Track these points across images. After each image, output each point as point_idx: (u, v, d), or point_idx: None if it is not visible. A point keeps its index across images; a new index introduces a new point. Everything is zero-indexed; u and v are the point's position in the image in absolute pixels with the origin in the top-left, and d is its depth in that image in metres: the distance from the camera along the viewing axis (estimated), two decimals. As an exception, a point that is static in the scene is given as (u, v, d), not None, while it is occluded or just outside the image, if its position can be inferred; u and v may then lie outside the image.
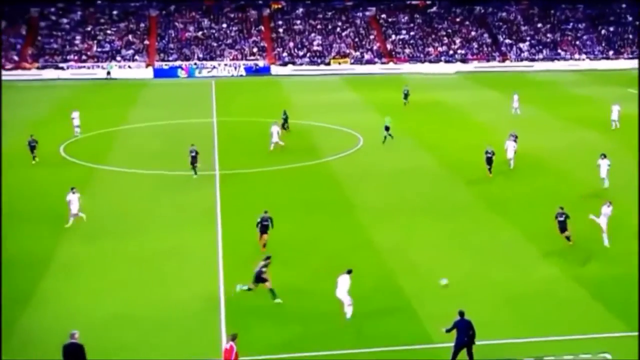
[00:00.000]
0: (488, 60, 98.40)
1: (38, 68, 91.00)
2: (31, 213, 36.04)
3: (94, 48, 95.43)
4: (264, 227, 30.04)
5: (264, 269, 25.38)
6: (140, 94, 77.21)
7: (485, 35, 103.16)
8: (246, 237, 30.60)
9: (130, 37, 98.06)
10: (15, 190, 39.72)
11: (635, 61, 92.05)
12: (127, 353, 22.27)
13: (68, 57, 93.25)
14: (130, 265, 29.29)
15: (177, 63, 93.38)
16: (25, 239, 32.11)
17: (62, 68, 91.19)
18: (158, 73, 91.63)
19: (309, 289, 26.68)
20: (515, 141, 43.95)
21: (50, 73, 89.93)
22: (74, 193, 34.09)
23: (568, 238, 30.29)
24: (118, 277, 28.10)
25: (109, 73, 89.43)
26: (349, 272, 24.75)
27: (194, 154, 41.75)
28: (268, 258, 25.87)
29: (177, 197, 38.46)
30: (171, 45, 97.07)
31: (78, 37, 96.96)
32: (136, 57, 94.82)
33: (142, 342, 22.99)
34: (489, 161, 41.37)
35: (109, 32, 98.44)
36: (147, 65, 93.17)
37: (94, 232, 33.14)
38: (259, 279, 25.25)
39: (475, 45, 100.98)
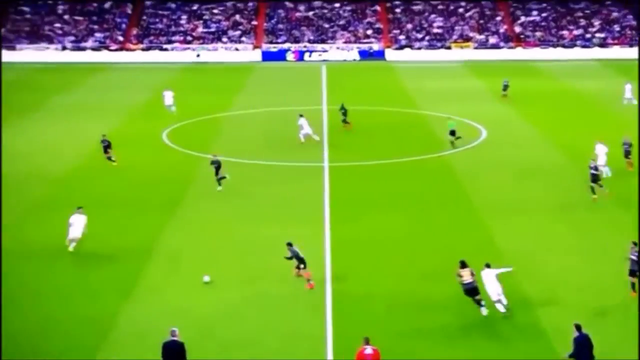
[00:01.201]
0: (631, 46, 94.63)
1: (142, 49, 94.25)
2: (133, 202, 37.58)
3: (200, 29, 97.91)
4: (299, 261, 27.54)
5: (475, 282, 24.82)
6: (247, 78, 78.75)
7: (629, 16, 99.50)
8: (355, 234, 30.74)
9: (237, 17, 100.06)
10: (116, 179, 41.51)
11: None
12: (228, 353, 22.84)
13: (173, 39, 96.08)
14: (232, 258, 30.08)
15: (286, 45, 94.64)
16: (129, 229, 33.56)
17: (166, 49, 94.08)
18: (266, 56, 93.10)
19: (425, 292, 26.65)
20: (629, 147, 41.56)
21: (154, 55, 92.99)
22: (79, 214, 30.65)
23: (633, 285, 25.87)
24: (220, 270, 28.79)
25: (198, 56, 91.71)
26: (488, 265, 25.09)
27: (216, 164, 39.10)
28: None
29: (283, 189, 39.15)
30: (280, 26, 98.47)
31: (184, 17, 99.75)
32: (243, 38, 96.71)
33: (242, 341, 23.53)
34: (595, 178, 36.49)
35: (215, 11, 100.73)
36: (255, 48, 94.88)
37: (198, 224, 34.37)
38: (475, 291, 24.82)
39: (616, 27, 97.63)
